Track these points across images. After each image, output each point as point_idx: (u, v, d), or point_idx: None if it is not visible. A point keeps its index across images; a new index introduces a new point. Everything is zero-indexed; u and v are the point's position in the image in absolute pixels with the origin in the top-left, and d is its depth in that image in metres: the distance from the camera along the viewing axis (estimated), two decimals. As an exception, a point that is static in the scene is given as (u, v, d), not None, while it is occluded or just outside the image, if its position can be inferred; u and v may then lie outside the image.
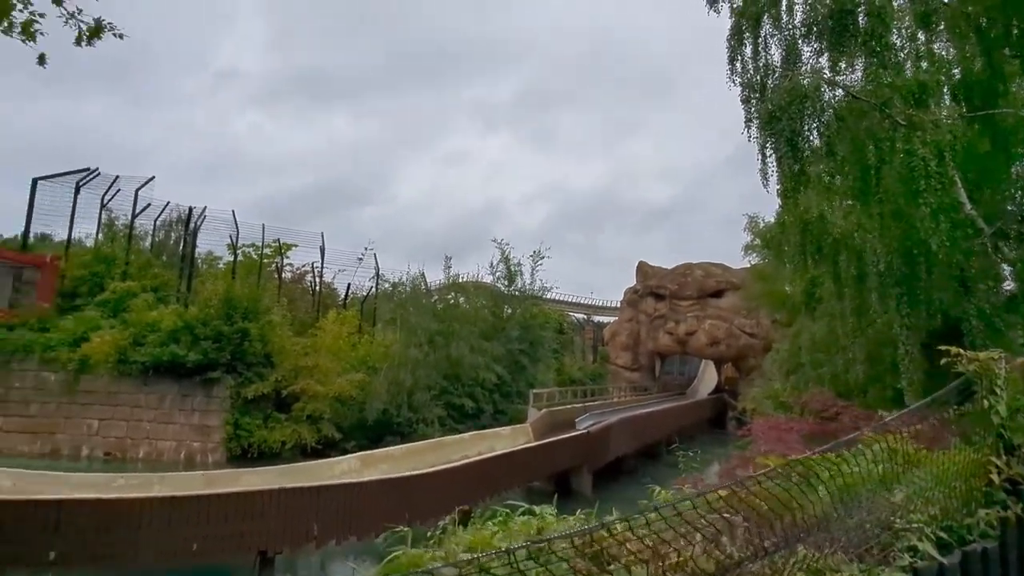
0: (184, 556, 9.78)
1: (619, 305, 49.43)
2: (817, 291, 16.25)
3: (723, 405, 40.70)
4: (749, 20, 11.35)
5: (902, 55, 10.61)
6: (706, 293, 42.56)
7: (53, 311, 24.05)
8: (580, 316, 51.79)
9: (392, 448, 17.85)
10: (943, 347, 3.15)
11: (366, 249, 32.80)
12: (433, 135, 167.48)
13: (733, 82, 11.58)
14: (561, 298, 44.97)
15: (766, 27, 11.27)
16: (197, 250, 29.86)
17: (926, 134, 9.11)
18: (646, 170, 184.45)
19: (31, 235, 27.57)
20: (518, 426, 22.22)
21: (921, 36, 11.09)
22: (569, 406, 26.21)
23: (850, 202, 12.19)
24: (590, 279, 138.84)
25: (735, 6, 11.60)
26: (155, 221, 30.63)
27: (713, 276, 42.80)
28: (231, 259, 29.52)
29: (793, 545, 2.05)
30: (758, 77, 11.33)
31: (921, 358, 10.06)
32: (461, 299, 30.30)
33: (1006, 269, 11.52)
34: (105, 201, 28.81)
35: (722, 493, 2.05)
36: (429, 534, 3.18)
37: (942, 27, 11.00)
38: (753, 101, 11.31)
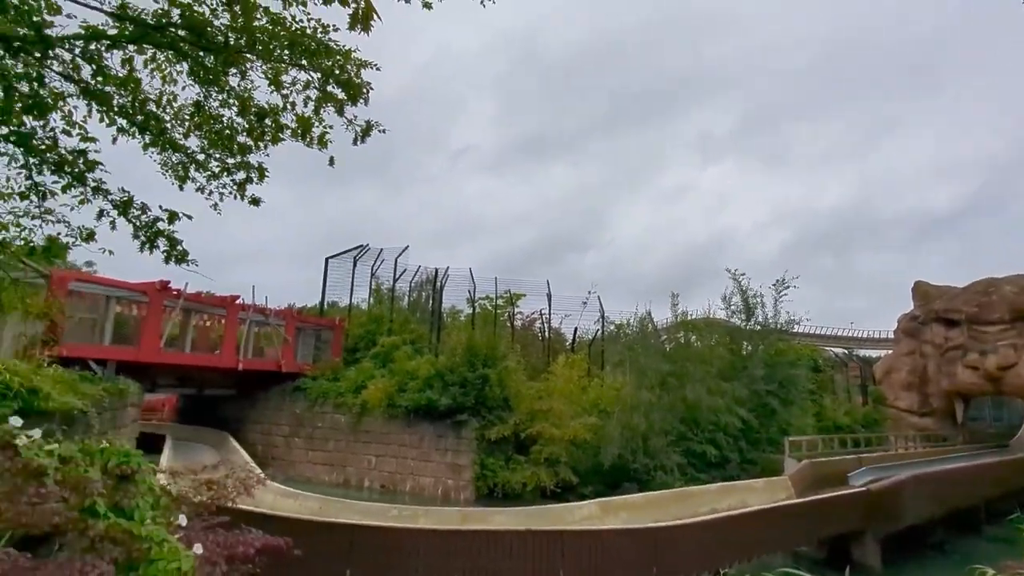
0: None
1: (891, 336, 40.89)
2: None
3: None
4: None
5: None
6: (1022, 315, 32.69)
7: (341, 364, 29.29)
8: (839, 350, 44.26)
9: (632, 496, 17.06)
10: None
11: (589, 293, 33.22)
12: (651, 174, 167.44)
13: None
14: (813, 331, 38.97)
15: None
16: (443, 305, 33.59)
17: None
18: (910, 175, 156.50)
19: (325, 303, 34.58)
20: (774, 479, 19.50)
21: None
22: (838, 457, 22.27)
23: None
24: (846, 308, 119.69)
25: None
26: (410, 283, 35.78)
27: (1031, 292, 32.80)
28: (470, 311, 32.48)
29: None
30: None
31: None
32: (692, 337, 28.23)
33: None
34: (374, 271, 34.94)
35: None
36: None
37: None
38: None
